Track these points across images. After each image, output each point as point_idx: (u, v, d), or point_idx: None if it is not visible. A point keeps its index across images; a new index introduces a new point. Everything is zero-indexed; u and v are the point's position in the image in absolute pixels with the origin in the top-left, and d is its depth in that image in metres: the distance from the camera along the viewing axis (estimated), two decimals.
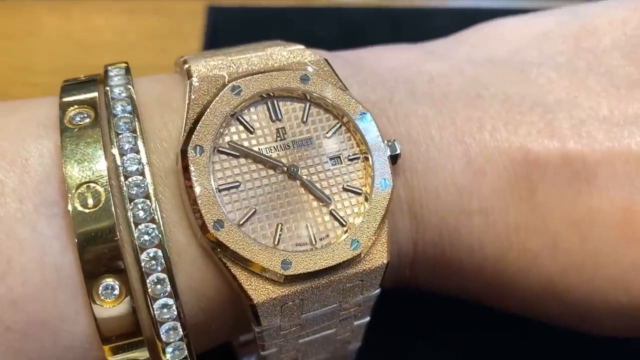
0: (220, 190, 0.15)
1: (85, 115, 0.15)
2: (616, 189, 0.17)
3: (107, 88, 0.16)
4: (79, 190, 0.14)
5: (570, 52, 0.19)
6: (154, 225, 0.14)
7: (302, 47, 0.18)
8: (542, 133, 0.18)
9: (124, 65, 0.17)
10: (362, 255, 0.16)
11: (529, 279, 0.18)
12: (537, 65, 0.19)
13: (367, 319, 0.17)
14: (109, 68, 0.17)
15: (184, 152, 0.15)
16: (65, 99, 0.16)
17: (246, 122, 0.16)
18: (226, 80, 0.16)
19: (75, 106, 0.16)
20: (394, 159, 0.17)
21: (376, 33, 0.36)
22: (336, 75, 0.17)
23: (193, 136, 0.15)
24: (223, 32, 0.34)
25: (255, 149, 0.16)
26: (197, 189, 0.14)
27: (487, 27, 0.21)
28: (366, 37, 0.36)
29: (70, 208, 0.14)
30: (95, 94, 0.16)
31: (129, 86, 0.16)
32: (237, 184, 0.15)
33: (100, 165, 0.15)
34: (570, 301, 0.18)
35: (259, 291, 0.15)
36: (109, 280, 0.14)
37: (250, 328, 0.16)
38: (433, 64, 0.20)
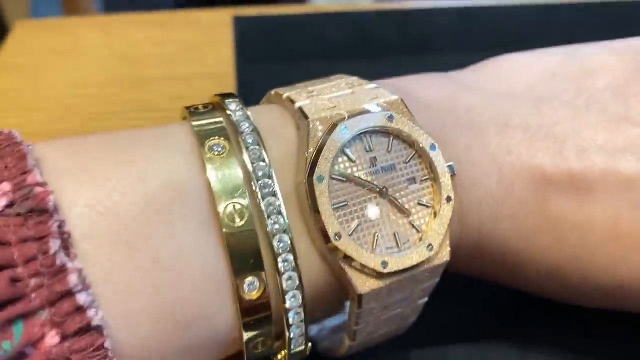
0: (335, 209, 0.20)
1: (222, 146, 0.19)
2: (608, 201, 0.23)
3: (234, 119, 0.20)
4: (227, 209, 0.19)
5: (572, 91, 0.25)
6: (286, 235, 0.19)
7: (376, 85, 0.22)
8: (555, 157, 0.23)
9: (236, 98, 0.21)
10: (434, 254, 0.21)
11: (541, 266, 0.24)
12: (547, 100, 0.24)
13: (426, 299, 0.23)
14: (226, 100, 0.21)
15: (310, 181, 0.19)
16: (199, 129, 0.20)
17: (349, 154, 0.20)
18: (337, 120, 0.20)
19: (212, 138, 0.19)
20: (452, 177, 0.22)
21: (385, 34, 0.40)
22: (409, 112, 0.22)
23: (316, 168, 0.19)
24: (250, 39, 0.37)
25: (356, 175, 0.20)
26: (322, 210, 0.19)
27: (505, 62, 0.27)
28: (376, 39, 0.40)
29: (222, 225, 0.18)
30: (223, 124, 0.20)
31: (251, 119, 0.20)
32: (345, 203, 0.20)
33: (241, 189, 0.19)
34: (571, 282, 0.24)
35: (365, 284, 0.20)
36: (251, 278, 0.19)
37: (338, 309, 0.21)
38: (468, 96, 0.25)
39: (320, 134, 0.20)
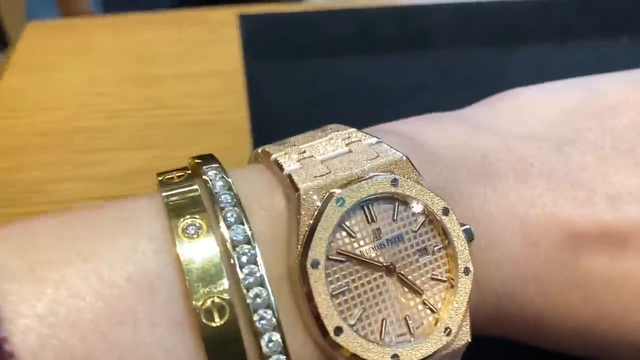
0: (333, 296, 0.17)
1: (198, 226, 0.16)
2: None
3: (212, 189, 0.17)
4: (204, 306, 0.16)
5: (596, 131, 0.22)
6: (277, 334, 0.16)
7: (377, 140, 0.19)
8: (584, 208, 0.20)
9: (216, 163, 0.18)
10: (452, 339, 0.18)
11: (567, 326, 0.21)
12: (570, 143, 0.22)
13: None
14: (205, 167, 0.18)
15: (303, 268, 0.16)
16: (171, 206, 0.17)
17: (348, 227, 0.17)
18: (327, 192, 0.17)
19: (186, 217, 0.17)
20: (469, 242, 0.19)
21: (387, 30, 0.38)
22: (416, 171, 0.19)
23: (310, 251, 0.16)
24: (256, 37, 0.36)
25: (357, 252, 0.17)
26: (318, 301, 0.16)
27: (518, 98, 0.24)
28: (378, 35, 0.38)
29: (198, 325, 0.15)
30: (199, 197, 0.17)
31: (234, 191, 0.17)
32: (347, 287, 0.17)
33: (222, 280, 0.16)
34: (599, 342, 0.21)
35: None
36: None
37: None
38: (482, 140, 0.21)
39: (313, 208, 0.17)
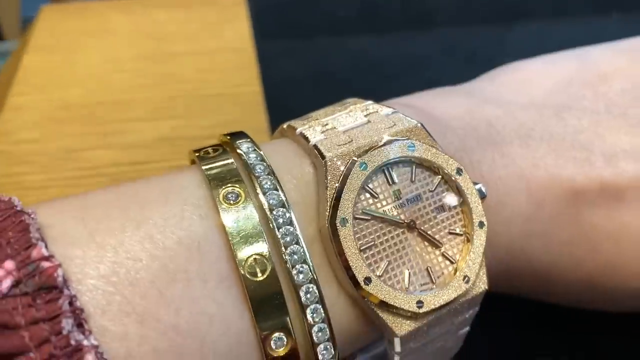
0: (361, 251, 0.18)
1: (237, 194, 0.18)
2: (639, 207, 0.22)
3: (248, 162, 0.19)
4: (247, 264, 0.17)
5: (591, 97, 0.24)
6: (314, 285, 0.18)
7: (393, 110, 0.21)
8: (584, 167, 0.22)
9: (247, 138, 0.20)
10: (471, 286, 0.20)
11: (573, 278, 0.23)
12: (567, 108, 0.24)
13: (467, 328, 0.22)
14: (238, 141, 0.20)
15: (333, 226, 0.18)
16: (211, 177, 0.18)
17: (371, 189, 0.19)
18: (351, 157, 0.19)
19: (226, 186, 0.18)
20: (482, 199, 0.20)
21: (390, 10, 0.40)
22: (430, 136, 0.20)
23: (338, 211, 0.18)
24: (265, 16, 0.37)
25: (381, 211, 0.19)
26: (349, 255, 0.18)
27: (518, 71, 0.26)
28: (381, 14, 0.39)
29: (243, 280, 0.17)
30: (235, 168, 0.19)
31: (267, 162, 0.19)
32: (373, 242, 0.19)
33: (262, 240, 0.18)
34: (604, 291, 0.23)
35: (401, 326, 0.18)
36: (279, 334, 0.17)
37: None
38: (488, 110, 0.23)
39: (339, 173, 0.19)
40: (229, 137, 0.20)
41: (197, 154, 0.20)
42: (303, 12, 0.39)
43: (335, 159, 0.19)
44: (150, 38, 0.34)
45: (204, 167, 0.19)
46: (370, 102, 0.22)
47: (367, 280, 0.18)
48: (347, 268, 0.18)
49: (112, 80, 0.31)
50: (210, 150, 0.20)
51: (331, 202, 0.18)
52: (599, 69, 0.25)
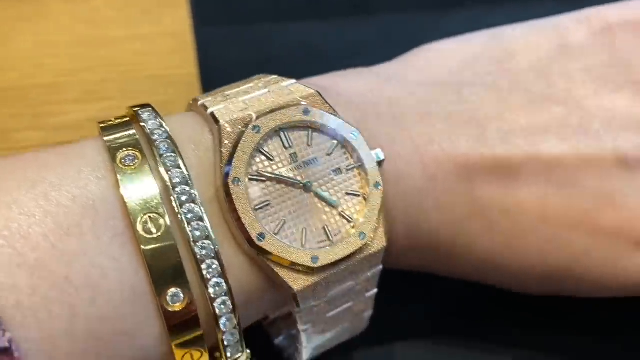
0: (256, 209, 0.19)
1: (134, 157, 0.19)
2: (534, 184, 0.23)
3: (146, 129, 0.19)
4: (142, 220, 0.18)
5: (495, 73, 0.25)
6: (209, 241, 0.18)
7: (294, 81, 0.22)
8: (478, 143, 0.23)
9: (150, 108, 0.21)
10: (368, 242, 0.20)
11: (472, 255, 0.24)
12: (470, 86, 0.24)
13: (375, 290, 0.22)
14: (139, 111, 0.20)
15: (226, 185, 0.19)
16: (111, 143, 0.19)
17: (266, 152, 0.20)
18: (247, 121, 0.20)
19: (123, 149, 0.19)
20: (380, 164, 0.21)
21: None
22: (327, 103, 0.21)
23: (231, 171, 0.19)
24: (205, 1, 0.36)
25: (277, 172, 0.20)
26: (241, 212, 0.19)
27: (429, 51, 0.26)
28: (321, 1, 0.39)
29: (137, 236, 0.18)
30: (136, 136, 0.19)
31: (165, 127, 0.20)
32: (268, 202, 0.19)
33: (156, 198, 0.18)
34: (505, 270, 0.24)
35: (298, 282, 0.19)
36: (175, 289, 0.18)
37: (278, 308, 0.21)
38: (391, 89, 0.24)
39: (233, 136, 0.20)
40: (134, 109, 0.21)
41: (101, 125, 0.20)
42: None
43: (228, 124, 0.20)
44: (88, 23, 0.35)
45: (105, 137, 0.20)
46: (275, 76, 0.23)
47: (261, 236, 0.19)
48: (240, 225, 0.19)
49: (46, 64, 0.32)
50: (114, 119, 0.21)
51: (225, 163, 0.19)
52: (508, 45, 0.26)
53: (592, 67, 0.24)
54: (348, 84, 0.24)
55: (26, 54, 0.32)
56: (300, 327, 0.21)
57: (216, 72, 0.32)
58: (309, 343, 0.22)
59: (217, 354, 0.19)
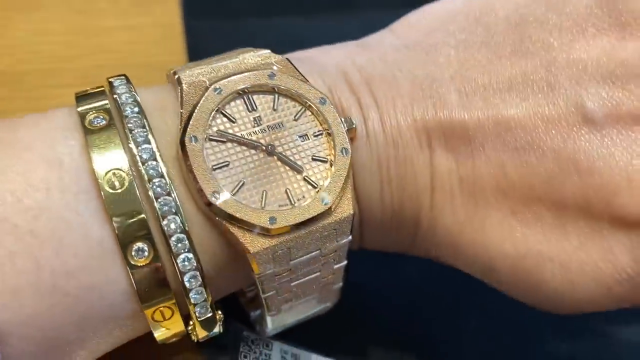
0: (214, 169, 0.19)
1: (102, 118, 0.19)
2: (491, 150, 0.20)
3: (115, 95, 0.20)
4: (106, 177, 0.18)
5: (470, 29, 0.23)
6: (171, 198, 0.18)
7: (268, 51, 0.22)
8: (436, 106, 0.21)
9: (123, 77, 0.21)
10: (332, 208, 0.20)
11: (437, 233, 0.22)
12: (441, 45, 0.23)
13: (345, 262, 0.22)
14: (112, 80, 0.21)
15: (182, 142, 0.19)
16: (82, 108, 0.20)
17: (228, 114, 0.20)
18: (208, 83, 0.20)
19: (93, 112, 0.20)
20: (351, 131, 0.21)
21: None
22: (297, 70, 0.21)
23: (188, 129, 0.19)
24: None
25: (238, 134, 0.20)
26: (197, 170, 0.19)
27: (414, 13, 0.25)
28: None
29: (102, 192, 0.18)
30: (106, 101, 0.20)
31: (133, 93, 0.20)
32: (227, 163, 0.19)
33: (121, 156, 0.18)
34: (471, 253, 0.21)
35: (254, 243, 0.19)
36: (140, 244, 0.18)
37: (250, 279, 0.20)
38: (363, 55, 0.23)
39: (193, 97, 0.20)
40: (108, 79, 0.21)
41: (77, 95, 0.21)
42: None
43: (191, 85, 0.20)
44: (81, 14, 0.36)
45: (78, 105, 0.20)
46: (254, 48, 0.23)
47: (216, 194, 0.19)
48: (196, 183, 0.19)
49: (41, 50, 0.33)
50: (90, 89, 0.21)
51: (184, 122, 0.19)
52: None
53: (574, 11, 0.21)
54: (326, 54, 0.24)
55: (22, 40, 0.34)
56: (262, 294, 0.20)
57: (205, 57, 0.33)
58: (272, 310, 0.21)
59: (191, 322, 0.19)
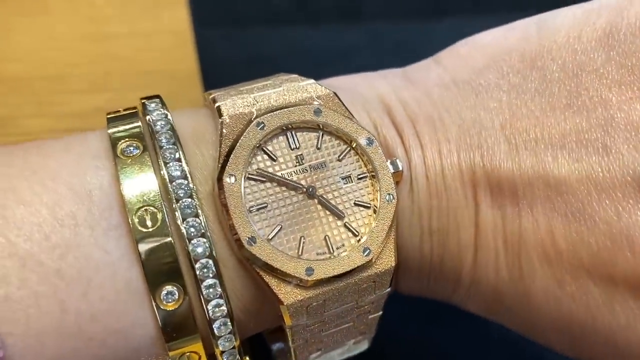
0: (251, 211, 0.18)
1: (135, 147, 0.18)
2: (539, 213, 0.19)
3: (150, 121, 0.19)
4: (138, 213, 0.17)
5: (524, 72, 0.21)
6: (204, 239, 0.17)
7: (313, 81, 0.20)
8: (484, 158, 0.20)
9: (158, 99, 0.20)
10: (373, 260, 0.18)
11: (481, 289, 0.20)
12: (492, 87, 0.21)
13: (380, 313, 0.20)
14: (146, 102, 0.20)
15: (220, 180, 0.17)
16: (114, 133, 0.18)
17: (270, 151, 0.18)
18: (252, 117, 0.18)
19: (126, 139, 0.18)
20: (397, 175, 0.20)
21: (323, 2, 0.39)
22: (343, 104, 0.20)
23: (227, 166, 0.18)
24: (203, 3, 0.37)
25: (279, 174, 0.18)
26: (233, 212, 0.17)
27: (464, 45, 0.23)
28: (314, 6, 0.38)
29: (132, 229, 0.17)
30: (139, 127, 0.19)
31: (169, 119, 0.19)
32: (265, 204, 0.18)
33: (154, 191, 0.17)
34: (516, 314, 0.20)
35: (288, 295, 0.17)
36: (169, 287, 0.17)
37: (279, 321, 0.19)
38: (408, 91, 0.22)
39: (234, 131, 0.18)
40: (142, 100, 0.20)
41: (108, 116, 0.20)
42: (240, 2, 0.40)
43: (232, 119, 0.18)
44: (88, 20, 0.35)
45: (109, 128, 0.19)
46: (295, 75, 0.21)
47: (252, 240, 0.17)
48: (232, 226, 0.17)
49: (50, 56, 0.32)
50: (122, 110, 0.20)
51: (222, 158, 0.18)
52: (549, 36, 0.21)
53: (636, 64, 0.19)
54: (369, 85, 0.22)
55: (31, 47, 0.33)
56: (291, 344, 0.19)
57: (215, 69, 0.32)
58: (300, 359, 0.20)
59: None
